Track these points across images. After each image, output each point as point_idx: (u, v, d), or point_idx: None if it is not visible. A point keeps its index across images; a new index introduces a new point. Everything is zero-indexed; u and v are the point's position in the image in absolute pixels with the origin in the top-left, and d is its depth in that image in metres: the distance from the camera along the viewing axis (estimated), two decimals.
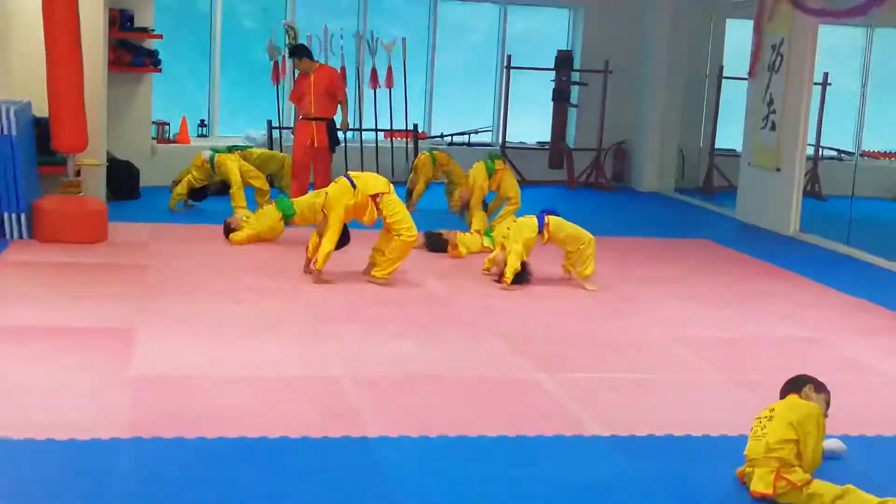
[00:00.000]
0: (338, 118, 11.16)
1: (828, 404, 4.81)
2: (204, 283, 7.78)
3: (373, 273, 8.11)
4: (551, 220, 8.30)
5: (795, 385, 4.84)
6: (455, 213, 11.15)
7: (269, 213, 9.45)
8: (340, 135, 11.45)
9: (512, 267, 8.08)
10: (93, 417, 4.99)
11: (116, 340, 6.21)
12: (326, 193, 8.06)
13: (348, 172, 8.21)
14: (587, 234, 8.32)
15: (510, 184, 10.42)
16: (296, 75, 12.53)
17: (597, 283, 8.29)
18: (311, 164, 11.06)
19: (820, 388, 4.83)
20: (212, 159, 10.67)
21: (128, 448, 4.65)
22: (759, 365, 6.52)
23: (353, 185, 7.95)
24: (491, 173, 10.26)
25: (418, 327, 6.91)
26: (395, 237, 8.01)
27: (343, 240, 8.13)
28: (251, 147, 11.92)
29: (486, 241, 9.48)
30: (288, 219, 9.36)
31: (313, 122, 10.90)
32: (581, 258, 8.30)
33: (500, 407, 5.48)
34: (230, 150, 11.56)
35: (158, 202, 11.16)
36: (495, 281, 8.24)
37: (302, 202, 9.36)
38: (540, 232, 8.25)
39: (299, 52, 11.10)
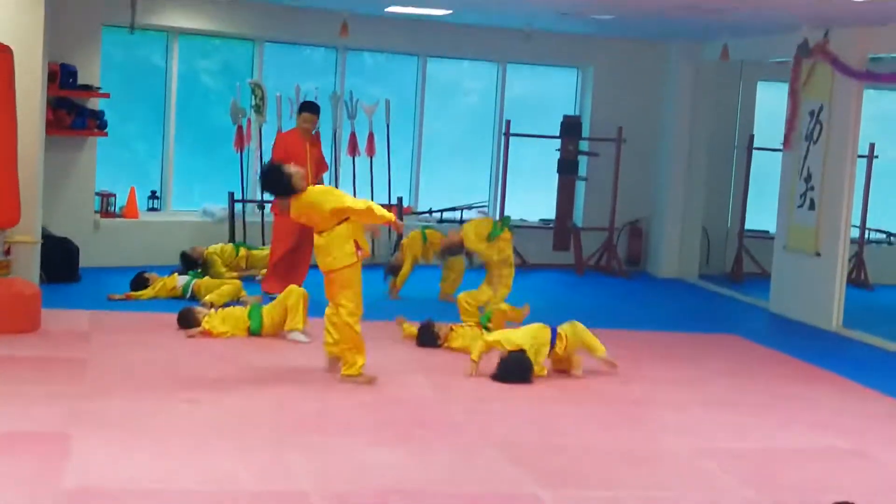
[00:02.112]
0: None
1: None
2: (152, 381, 7.80)
3: (343, 372, 8.12)
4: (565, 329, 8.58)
5: None
6: (447, 301, 11.22)
7: (237, 315, 9.49)
8: None
9: (493, 340, 8.38)
10: None
11: (48, 447, 6.21)
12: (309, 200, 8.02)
13: None
14: (602, 348, 8.65)
15: (509, 259, 10.49)
16: (259, 138, 12.62)
17: (604, 383, 8.35)
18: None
19: None
20: (186, 287, 10.86)
21: None
22: (795, 482, 6.53)
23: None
24: (494, 236, 10.31)
25: (399, 435, 6.92)
26: (338, 308, 8.03)
27: None
28: (252, 247, 12.49)
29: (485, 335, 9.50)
30: (255, 332, 9.39)
31: None
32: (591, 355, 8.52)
33: None
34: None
35: (100, 286, 11.19)
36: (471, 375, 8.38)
37: (272, 309, 9.44)
38: (553, 346, 8.45)
39: (314, 108, 11.13)
